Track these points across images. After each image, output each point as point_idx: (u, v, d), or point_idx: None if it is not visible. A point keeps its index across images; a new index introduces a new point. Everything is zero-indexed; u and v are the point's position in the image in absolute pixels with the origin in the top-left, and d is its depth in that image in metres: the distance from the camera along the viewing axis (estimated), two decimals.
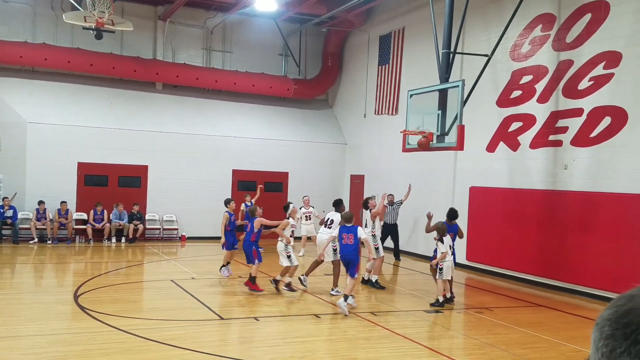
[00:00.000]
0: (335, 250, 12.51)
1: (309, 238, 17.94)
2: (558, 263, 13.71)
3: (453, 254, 11.88)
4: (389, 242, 17.48)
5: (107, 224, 19.77)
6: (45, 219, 19.09)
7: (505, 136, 15.46)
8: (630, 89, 12.28)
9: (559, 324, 10.71)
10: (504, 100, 15.54)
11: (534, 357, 8.52)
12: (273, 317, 10.70)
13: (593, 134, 13.02)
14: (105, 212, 19.84)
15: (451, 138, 12.97)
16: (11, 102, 19.48)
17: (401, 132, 13.99)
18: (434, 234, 12.01)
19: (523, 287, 14.25)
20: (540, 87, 14.48)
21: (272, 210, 21.79)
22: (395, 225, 17.82)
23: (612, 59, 12.64)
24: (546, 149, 14.22)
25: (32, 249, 18.02)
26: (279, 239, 12.47)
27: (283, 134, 22.99)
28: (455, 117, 12.81)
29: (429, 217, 12.99)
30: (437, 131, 13.14)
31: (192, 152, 21.31)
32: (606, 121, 12.73)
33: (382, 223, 14.09)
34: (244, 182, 21.61)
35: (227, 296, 12.69)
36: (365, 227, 13.28)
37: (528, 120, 14.75)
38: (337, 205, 13.53)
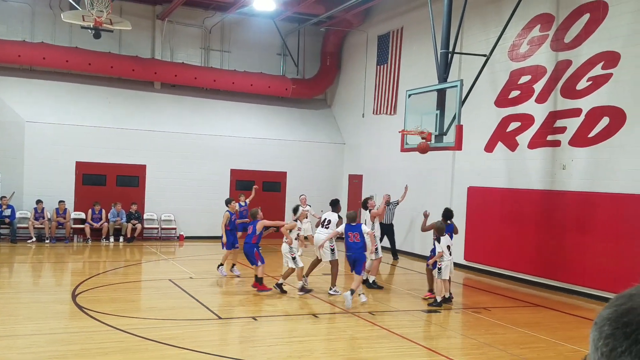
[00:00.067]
0: (332, 250, 12.53)
1: (305, 237, 17.90)
2: (556, 263, 13.73)
3: (451, 253, 11.86)
4: (385, 242, 17.47)
5: (105, 224, 19.76)
6: (43, 218, 19.07)
7: (503, 136, 15.47)
8: (629, 89, 12.29)
9: (557, 323, 10.72)
10: (502, 100, 15.55)
11: (531, 357, 8.52)
12: (271, 316, 10.70)
13: (591, 134, 13.03)
14: (104, 211, 19.83)
15: (449, 138, 12.98)
16: (9, 101, 19.46)
17: (399, 132, 13.99)
18: (433, 233, 12.04)
19: (521, 287, 14.26)
20: (538, 87, 14.49)
21: (271, 210, 21.86)
22: (391, 225, 17.83)
23: (611, 59, 12.65)
24: (544, 149, 14.23)
25: (30, 248, 18.01)
26: (284, 239, 12.32)
27: (281, 133, 22.99)
28: (454, 117, 12.82)
29: (425, 215, 12.99)
30: (436, 131, 13.15)
31: (190, 152, 21.29)
32: (604, 121, 12.74)
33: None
34: (242, 182, 21.60)
35: (225, 296, 12.69)
36: None
37: (526, 120, 14.76)
38: (334, 205, 13.57)
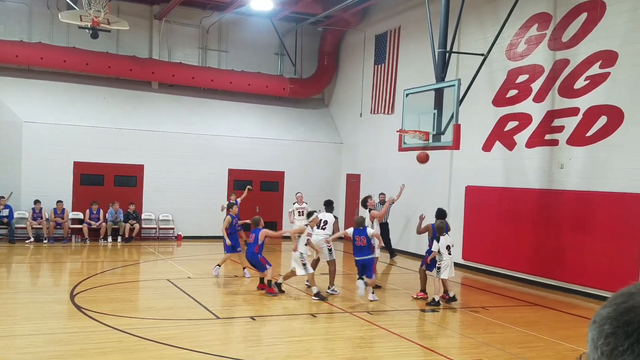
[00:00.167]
0: (330, 250, 12.54)
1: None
2: (554, 262, 13.74)
3: (450, 253, 11.83)
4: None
5: (103, 223, 19.74)
6: (42, 218, 19.05)
7: (501, 135, 15.48)
8: (626, 88, 12.30)
9: (555, 322, 10.73)
10: (500, 100, 15.56)
11: (530, 356, 8.53)
12: (269, 316, 10.70)
13: (589, 133, 13.04)
14: (102, 211, 19.81)
15: (447, 137, 12.97)
16: (7, 101, 19.44)
17: (397, 131, 14.00)
18: (429, 233, 12.07)
19: (519, 286, 14.27)
20: (536, 86, 14.50)
21: (268, 209, 21.88)
22: (385, 224, 17.82)
23: (608, 58, 12.67)
24: (542, 148, 14.24)
25: (28, 249, 17.98)
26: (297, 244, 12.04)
27: (279, 133, 22.98)
28: (451, 117, 12.81)
29: (421, 218, 12.96)
30: (433, 130, 13.15)
31: (188, 152, 21.28)
32: (602, 120, 12.75)
33: None
34: (239, 182, 21.57)
35: (223, 295, 12.68)
36: None
37: (524, 119, 14.77)
38: (329, 205, 13.66)
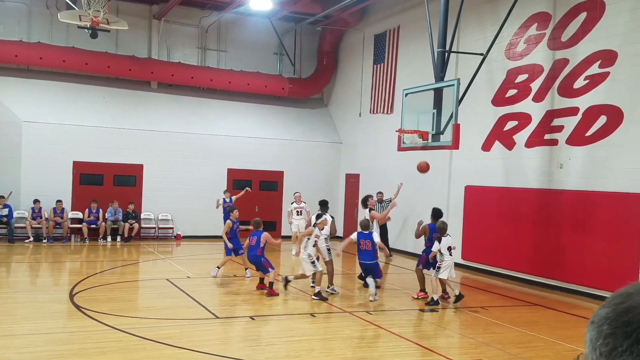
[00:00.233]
0: (329, 250, 12.55)
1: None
2: (553, 262, 13.74)
3: (451, 254, 11.80)
4: None
5: (103, 223, 19.74)
6: (41, 217, 19.05)
7: (500, 135, 15.47)
8: (626, 87, 12.30)
9: (555, 322, 10.73)
10: (499, 99, 15.56)
11: (529, 356, 8.53)
12: (268, 316, 10.70)
13: (588, 133, 13.04)
14: (101, 210, 19.80)
15: (446, 137, 12.96)
16: (6, 101, 19.43)
17: (396, 131, 13.99)
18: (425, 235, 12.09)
19: (518, 286, 14.27)
20: (535, 86, 14.50)
21: (268, 209, 21.88)
22: (385, 224, 17.76)
23: (608, 57, 12.66)
24: (541, 148, 14.24)
25: (27, 248, 17.98)
26: (303, 247, 12.04)
27: (278, 133, 22.97)
28: (451, 116, 12.80)
29: (419, 224, 12.90)
30: (433, 130, 13.14)
31: (187, 151, 21.28)
32: (601, 120, 12.75)
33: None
34: (239, 181, 21.58)
35: (222, 295, 12.67)
36: None
37: (523, 119, 14.76)
38: (324, 205, 13.68)
